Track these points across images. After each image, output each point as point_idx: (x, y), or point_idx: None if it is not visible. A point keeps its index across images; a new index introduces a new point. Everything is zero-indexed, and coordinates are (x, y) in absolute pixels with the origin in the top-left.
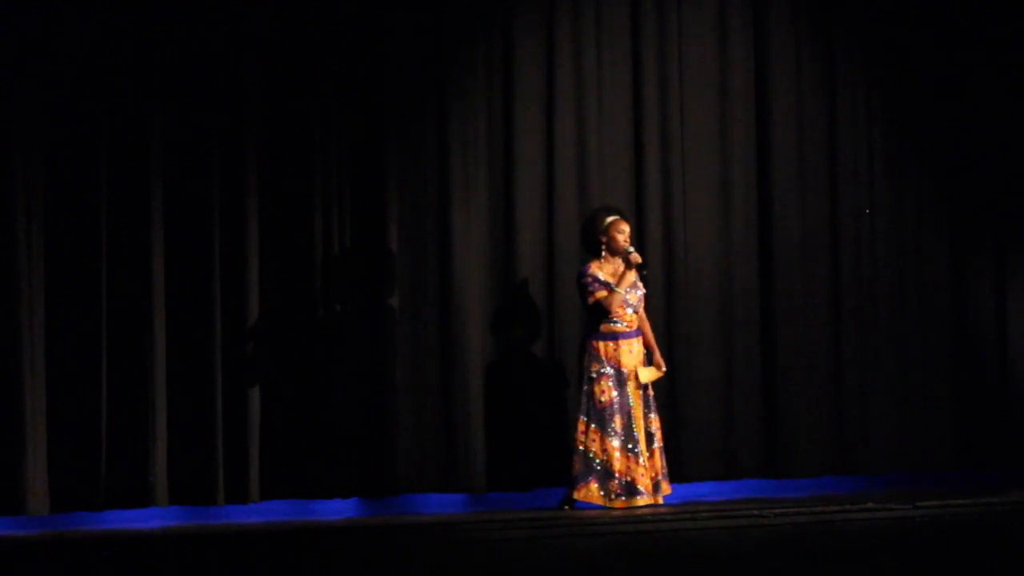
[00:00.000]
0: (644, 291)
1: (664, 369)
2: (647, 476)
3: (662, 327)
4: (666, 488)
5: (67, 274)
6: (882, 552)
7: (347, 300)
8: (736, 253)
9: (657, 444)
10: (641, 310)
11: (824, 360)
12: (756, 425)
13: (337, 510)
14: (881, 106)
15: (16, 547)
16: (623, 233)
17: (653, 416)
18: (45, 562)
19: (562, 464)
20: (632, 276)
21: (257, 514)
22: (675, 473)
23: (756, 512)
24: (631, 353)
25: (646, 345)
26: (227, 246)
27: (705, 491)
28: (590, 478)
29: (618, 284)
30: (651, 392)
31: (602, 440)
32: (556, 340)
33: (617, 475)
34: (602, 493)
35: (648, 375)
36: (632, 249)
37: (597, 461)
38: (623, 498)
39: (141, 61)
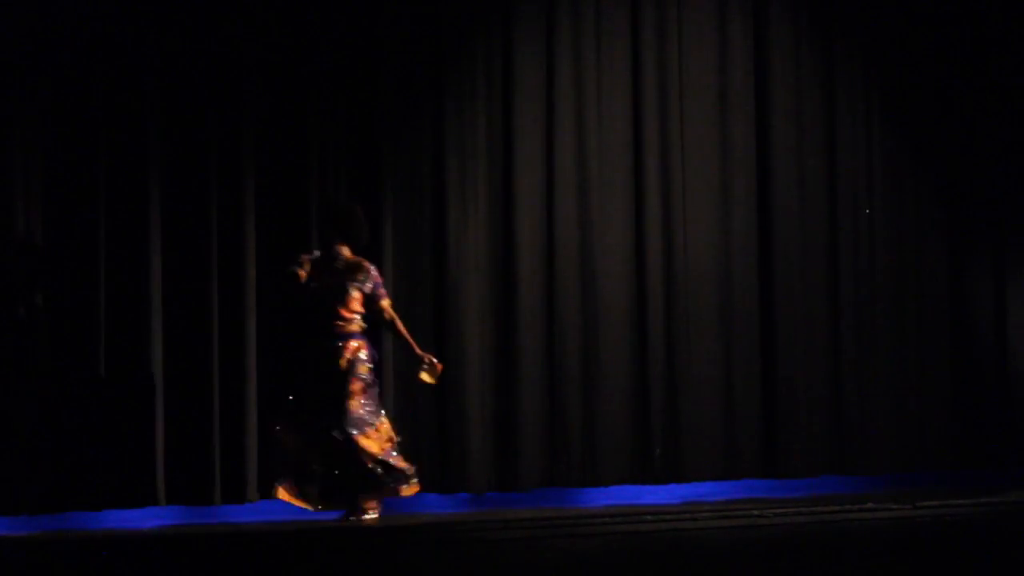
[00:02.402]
0: None
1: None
2: None
3: (662, 327)
4: None
5: (66, 273)
6: (882, 552)
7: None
8: (736, 253)
9: None
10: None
11: (824, 360)
12: (756, 425)
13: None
14: (881, 106)
15: (15, 547)
16: None
17: None
18: (44, 562)
19: (568, 462)
20: None
21: (255, 513)
22: (675, 473)
23: (756, 512)
24: None
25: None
26: (225, 245)
27: (705, 491)
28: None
29: None
30: None
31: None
32: (555, 339)
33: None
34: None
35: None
36: None
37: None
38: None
39: (138, 59)
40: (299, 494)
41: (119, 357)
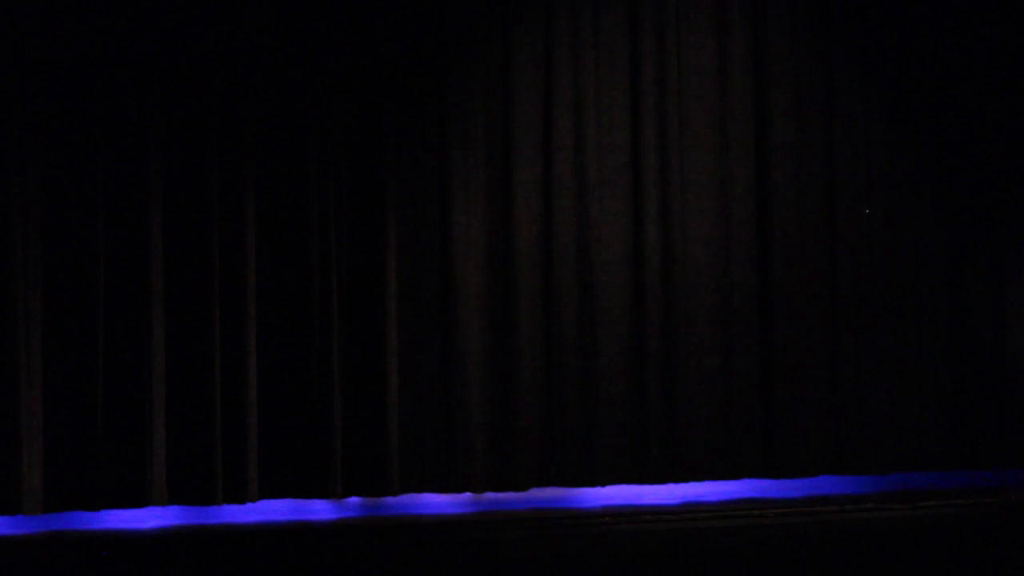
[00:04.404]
0: None
1: None
2: None
3: (660, 326)
4: None
5: (64, 272)
6: (882, 552)
7: (344, 300)
8: (734, 252)
9: None
10: None
11: (823, 359)
12: (756, 425)
13: (335, 509)
14: (881, 106)
15: (13, 547)
16: None
17: None
18: (44, 562)
19: (567, 462)
20: None
21: (255, 513)
22: (674, 473)
23: (756, 512)
24: None
25: None
26: (225, 246)
27: (705, 491)
28: None
29: None
30: None
31: None
32: (554, 337)
33: None
34: None
35: None
36: None
37: None
38: None
39: (138, 61)
40: None
41: (119, 357)
